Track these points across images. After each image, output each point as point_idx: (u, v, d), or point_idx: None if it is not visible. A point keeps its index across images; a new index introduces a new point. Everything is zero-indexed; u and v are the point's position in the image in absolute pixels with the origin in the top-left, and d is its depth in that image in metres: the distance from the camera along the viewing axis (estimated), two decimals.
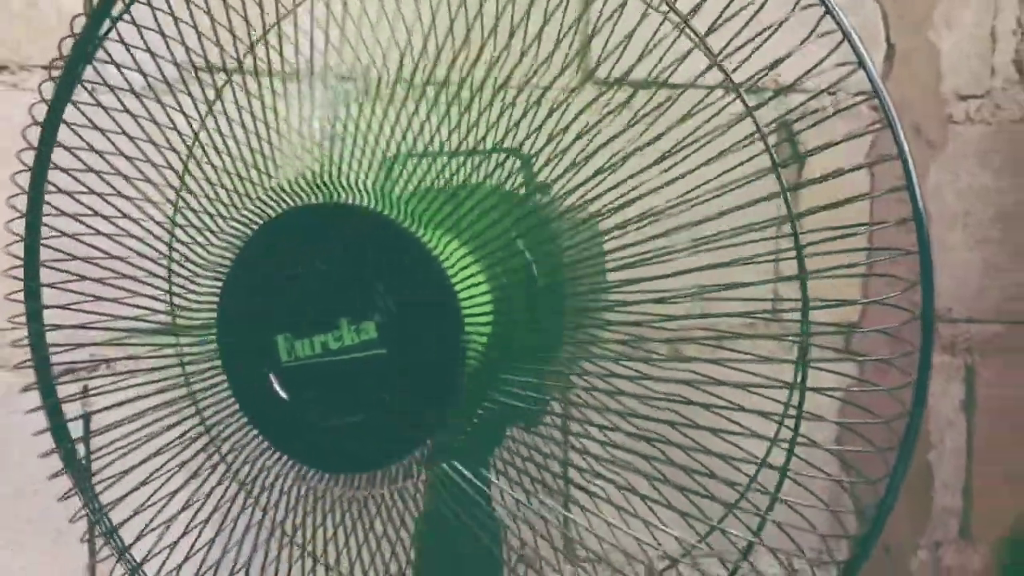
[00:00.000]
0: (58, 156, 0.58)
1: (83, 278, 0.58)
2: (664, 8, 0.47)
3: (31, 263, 0.59)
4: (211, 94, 0.53)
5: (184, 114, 0.54)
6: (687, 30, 0.48)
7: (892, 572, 0.88)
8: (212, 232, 0.49)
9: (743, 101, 0.48)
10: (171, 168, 0.54)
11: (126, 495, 0.59)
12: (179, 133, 0.54)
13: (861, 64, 0.47)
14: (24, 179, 0.60)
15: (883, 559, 0.87)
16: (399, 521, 0.49)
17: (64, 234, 0.59)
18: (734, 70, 0.47)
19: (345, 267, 0.41)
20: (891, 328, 0.53)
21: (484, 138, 0.47)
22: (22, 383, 0.71)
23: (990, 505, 0.88)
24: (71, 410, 0.64)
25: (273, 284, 0.42)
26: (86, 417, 0.70)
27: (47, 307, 0.60)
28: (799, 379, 0.49)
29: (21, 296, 0.61)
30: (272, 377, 0.41)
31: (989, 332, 0.87)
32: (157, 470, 0.57)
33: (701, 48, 0.53)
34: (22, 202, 0.60)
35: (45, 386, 0.59)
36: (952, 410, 0.87)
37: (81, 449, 0.63)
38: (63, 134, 0.58)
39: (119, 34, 0.56)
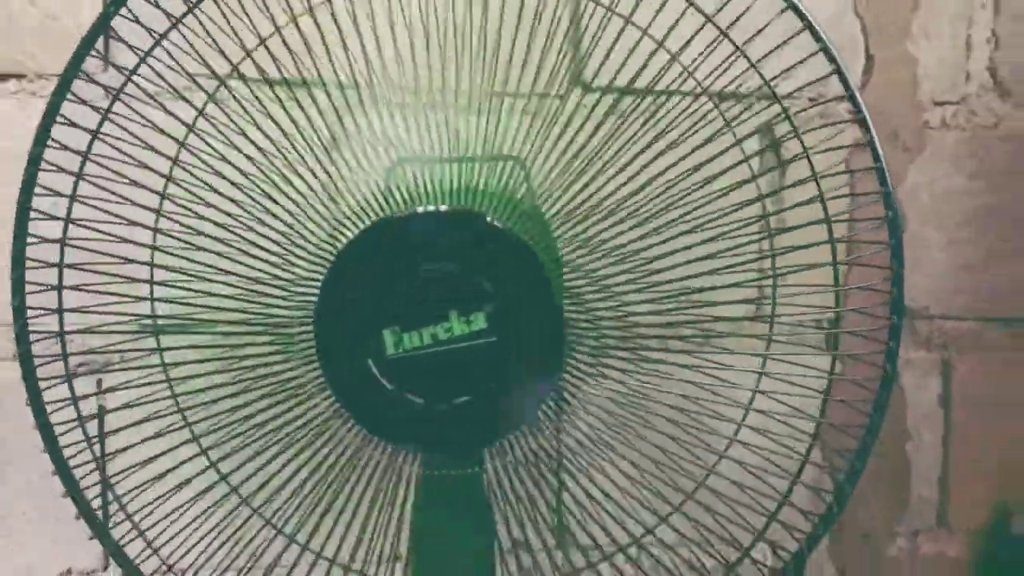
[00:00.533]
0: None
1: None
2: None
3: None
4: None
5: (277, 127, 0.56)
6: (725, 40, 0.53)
7: (871, 560, 0.91)
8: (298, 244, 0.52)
9: (781, 105, 0.53)
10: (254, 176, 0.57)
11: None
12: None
13: (839, 73, 0.51)
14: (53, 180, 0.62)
15: (862, 547, 0.90)
16: (494, 496, 0.53)
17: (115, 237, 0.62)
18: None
19: (450, 265, 0.45)
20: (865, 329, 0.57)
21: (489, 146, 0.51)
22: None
23: (966, 495, 0.91)
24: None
25: (376, 284, 0.44)
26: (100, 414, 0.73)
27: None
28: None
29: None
30: (375, 368, 0.44)
31: (964, 328, 0.90)
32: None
33: (744, 56, 0.58)
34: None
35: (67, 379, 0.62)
36: (929, 404, 0.90)
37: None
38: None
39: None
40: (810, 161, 0.67)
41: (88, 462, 0.65)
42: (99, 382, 0.76)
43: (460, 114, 0.54)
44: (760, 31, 0.63)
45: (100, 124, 0.62)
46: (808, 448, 0.71)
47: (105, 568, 0.77)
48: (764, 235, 0.65)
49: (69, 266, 0.62)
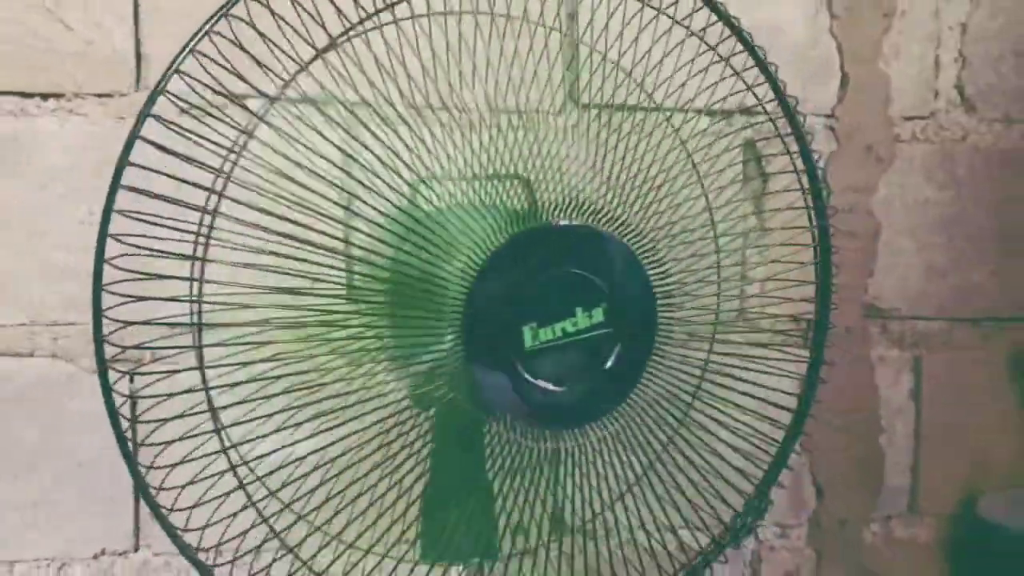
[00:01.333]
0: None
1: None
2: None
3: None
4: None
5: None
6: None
7: (847, 544, 0.97)
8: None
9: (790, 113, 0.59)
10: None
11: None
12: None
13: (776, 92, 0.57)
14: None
15: (838, 532, 0.96)
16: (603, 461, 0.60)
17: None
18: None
19: (573, 269, 0.53)
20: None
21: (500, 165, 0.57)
22: (71, 371, 0.81)
23: (935, 483, 0.98)
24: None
25: (515, 289, 0.51)
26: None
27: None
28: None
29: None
30: (516, 361, 0.51)
31: (934, 328, 0.97)
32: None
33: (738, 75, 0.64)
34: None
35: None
36: (902, 398, 0.97)
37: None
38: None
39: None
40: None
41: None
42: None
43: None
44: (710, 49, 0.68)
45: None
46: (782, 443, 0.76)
47: (136, 549, 0.84)
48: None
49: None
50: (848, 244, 0.93)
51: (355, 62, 0.60)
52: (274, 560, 0.64)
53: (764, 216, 0.90)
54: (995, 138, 0.96)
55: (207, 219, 0.63)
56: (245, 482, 0.62)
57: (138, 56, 0.80)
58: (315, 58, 0.61)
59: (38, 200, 0.79)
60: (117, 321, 0.59)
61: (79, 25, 0.78)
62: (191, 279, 0.61)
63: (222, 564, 0.62)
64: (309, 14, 0.59)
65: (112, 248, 0.61)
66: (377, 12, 0.60)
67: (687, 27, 0.66)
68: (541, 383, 0.52)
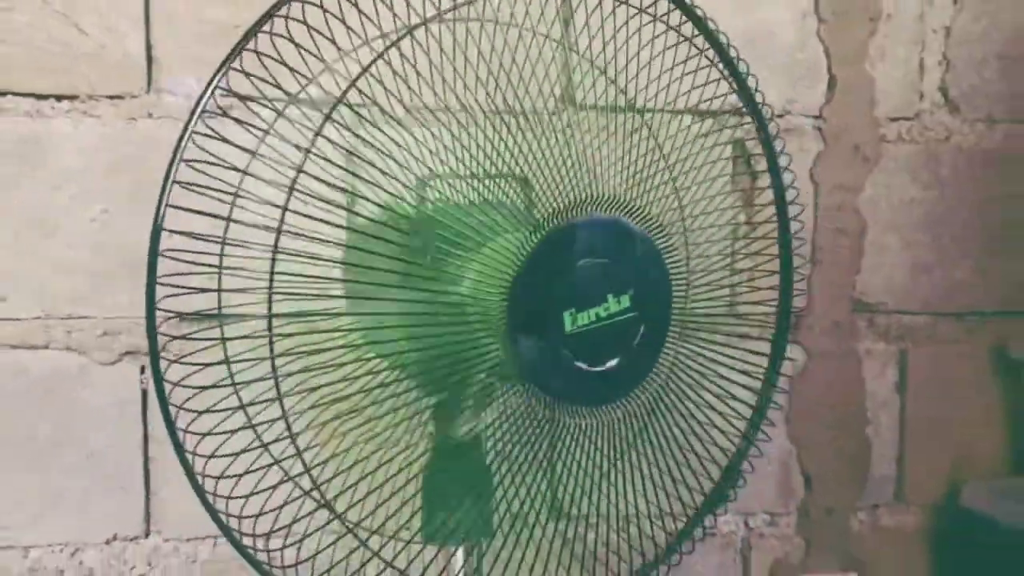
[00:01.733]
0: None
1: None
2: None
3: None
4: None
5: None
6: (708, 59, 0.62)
7: (835, 532, 1.00)
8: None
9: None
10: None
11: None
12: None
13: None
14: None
15: (827, 520, 0.99)
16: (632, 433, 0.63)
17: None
18: None
19: (604, 259, 0.56)
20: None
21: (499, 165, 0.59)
22: (83, 362, 0.84)
23: (921, 473, 1.01)
24: None
25: (555, 278, 0.55)
26: None
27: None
28: None
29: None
30: (559, 344, 0.54)
31: (919, 322, 1.00)
32: None
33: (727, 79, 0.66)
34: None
35: None
36: (887, 390, 1.00)
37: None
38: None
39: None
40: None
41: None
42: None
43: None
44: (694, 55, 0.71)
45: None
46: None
47: (147, 535, 0.86)
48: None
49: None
50: (836, 241, 0.96)
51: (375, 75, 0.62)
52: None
53: (753, 212, 0.92)
54: (978, 138, 0.99)
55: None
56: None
57: (149, 59, 0.83)
58: (323, 71, 0.64)
59: (52, 199, 0.81)
60: (167, 311, 0.59)
61: (93, 29, 0.81)
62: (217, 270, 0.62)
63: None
64: (323, 35, 0.61)
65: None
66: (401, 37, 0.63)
67: (677, 30, 0.69)
68: (581, 364, 0.55)
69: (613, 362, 0.57)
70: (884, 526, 1.01)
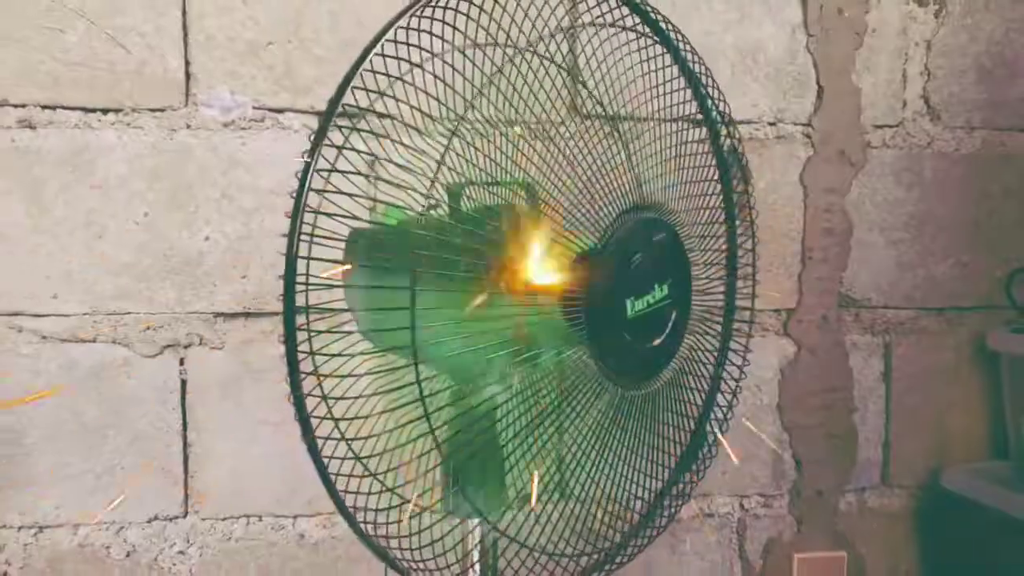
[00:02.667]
0: None
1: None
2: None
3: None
4: None
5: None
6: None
7: (824, 512, 1.06)
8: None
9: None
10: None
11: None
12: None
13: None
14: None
15: (817, 502, 1.06)
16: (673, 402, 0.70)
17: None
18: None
19: (652, 254, 0.63)
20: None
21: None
22: (127, 354, 0.90)
23: (905, 457, 1.07)
24: None
25: (617, 270, 0.61)
26: None
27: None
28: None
29: None
30: (621, 327, 0.61)
31: (903, 316, 1.06)
32: None
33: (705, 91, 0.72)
34: None
35: None
36: (873, 380, 1.06)
37: None
38: None
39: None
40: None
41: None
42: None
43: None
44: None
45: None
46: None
47: (185, 515, 0.93)
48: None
49: None
50: (824, 241, 1.03)
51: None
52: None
53: (746, 217, 0.99)
54: (958, 144, 1.05)
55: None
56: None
57: (187, 76, 0.90)
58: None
59: (101, 203, 0.88)
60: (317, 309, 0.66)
61: (136, 48, 0.88)
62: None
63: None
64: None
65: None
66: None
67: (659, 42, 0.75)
68: (635, 343, 0.63)
69: (657, 341, 0.64)
70: (871, 507, 1.08)
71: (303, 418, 0.51)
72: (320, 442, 0.52)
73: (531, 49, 0.69)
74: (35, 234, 0.88)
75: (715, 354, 0.70)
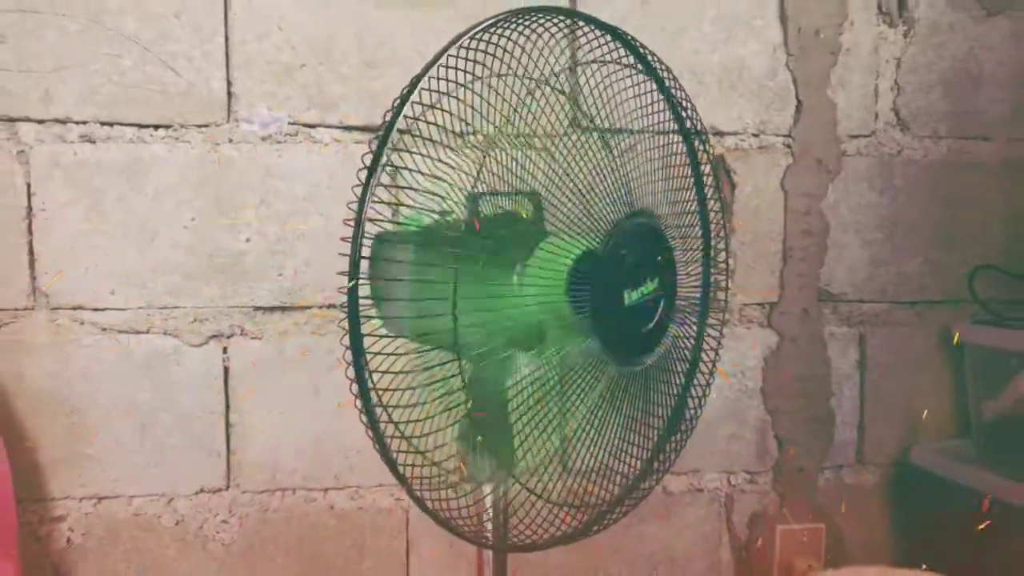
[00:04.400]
0: None
1: None
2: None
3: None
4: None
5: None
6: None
7: (804, 488, 1.17)
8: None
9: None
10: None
11: None
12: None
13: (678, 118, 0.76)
14: None
15: (797, 478, 1.16)
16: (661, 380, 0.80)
17: None
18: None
19: (643, 253, 0.73)
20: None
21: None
22: (176, 344, 1.01)
23: (878, 437, 1.17)
24: None
25: (616, 266, 0.70)
26: None
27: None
28: None
29: None
30: (619, 313, 0.71)
31: (877, 309, 1.16)
32: None
33: (683, 107, 0.82)
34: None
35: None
36: (849, 367, 1.16)
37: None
38: None
39: None
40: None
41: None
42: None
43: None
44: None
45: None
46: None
47: (227, 488, 1.04)
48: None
49: None
50: (804, 241, 1.13)
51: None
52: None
53: (730, 218, 1.09)
54: (925, 152, 1.15)
55: None
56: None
57: (229, 95, 1.00)
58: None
59: (153, 209, 0.99)
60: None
61: (184, 71, 0.99)
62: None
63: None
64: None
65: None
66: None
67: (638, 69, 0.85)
68: (632, 328, 0.73)
69: (648, 327, 0.75)
70: (847, 483, 1.18)
71: (368, 408, 0.62)
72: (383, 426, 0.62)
73: (545, 81, 0.80)
74: (95, 237, 0.98)
75: (694, 340, 0.80)
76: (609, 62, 0.73)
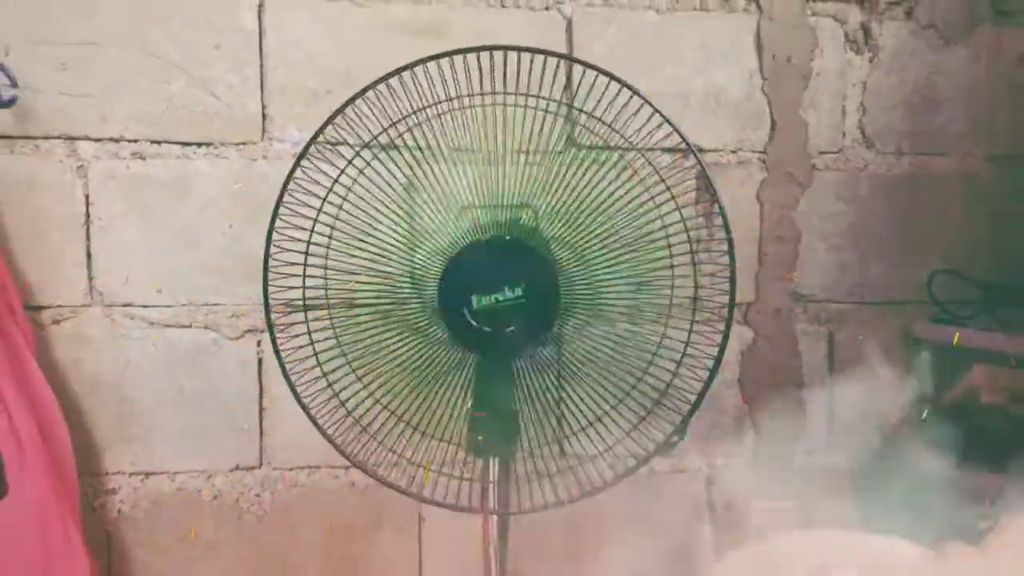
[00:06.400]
0: None
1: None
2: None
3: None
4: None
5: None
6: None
7: (780, 470, 1.28)
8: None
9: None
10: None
11: None
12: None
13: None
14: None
15: (771, 461, 1.28)
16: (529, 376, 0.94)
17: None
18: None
19: (502, 261, 0.87)
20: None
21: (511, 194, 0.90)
22: (215, 337, 1.14)
23: (845, 425, 1.29)
24: None
25: (467, 272, 0.86)
26: None
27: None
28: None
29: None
30: (468, 314, 0.86)
31: (843, 309, 1.27)
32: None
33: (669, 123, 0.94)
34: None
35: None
36: (819, 360, 1.28)
37: None
38: None
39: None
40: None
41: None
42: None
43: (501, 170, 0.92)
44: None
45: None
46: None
47: (260, 466, 1.17)
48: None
49: None
50: (777, 246, 1.25)
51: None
52: None
53: (712, 228, 1.21)
54: (889, 167, 1.27)
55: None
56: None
57: (263, 117, 1.13)
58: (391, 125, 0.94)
59: (197, 219, 1.12)
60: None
61: (224, 95, 1.11)
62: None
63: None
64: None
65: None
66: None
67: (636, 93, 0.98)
68: (484, 327, 0.87)
69: (510, 329, 0.88)
70: (818, 465, 1.29)
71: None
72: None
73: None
74: (145, 242, 1.11)
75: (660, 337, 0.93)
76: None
